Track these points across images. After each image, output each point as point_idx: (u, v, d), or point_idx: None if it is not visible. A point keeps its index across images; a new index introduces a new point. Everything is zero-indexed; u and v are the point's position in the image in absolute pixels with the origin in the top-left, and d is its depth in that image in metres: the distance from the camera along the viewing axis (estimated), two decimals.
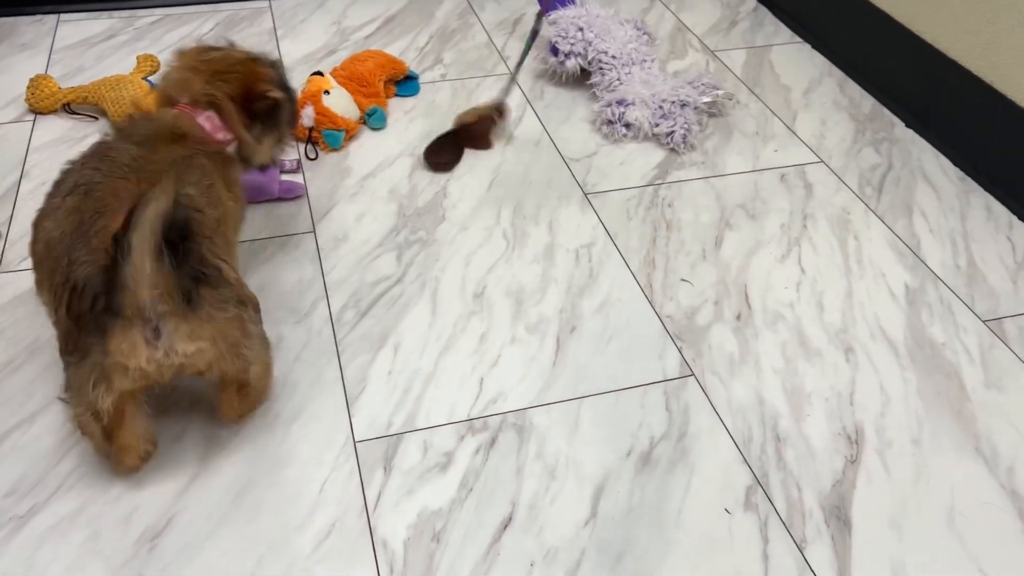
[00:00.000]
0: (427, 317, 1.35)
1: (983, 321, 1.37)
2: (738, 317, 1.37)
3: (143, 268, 0.90)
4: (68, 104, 1.73)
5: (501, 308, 1.37)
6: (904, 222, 1.57)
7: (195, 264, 0.98)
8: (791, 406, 1.23)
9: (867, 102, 1.90)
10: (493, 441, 1.17)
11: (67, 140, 1.67)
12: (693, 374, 1.27)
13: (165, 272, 0.92)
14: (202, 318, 0.98)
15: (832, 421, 1.21)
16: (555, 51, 1.87)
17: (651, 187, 1.63)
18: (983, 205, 1.62)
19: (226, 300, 1.01)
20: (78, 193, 1.03)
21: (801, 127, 1.81)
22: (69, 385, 0.99)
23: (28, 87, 1.73)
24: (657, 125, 1.74)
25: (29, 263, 1.37)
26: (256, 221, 1.51)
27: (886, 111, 1.87)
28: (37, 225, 1.05)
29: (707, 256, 1.48)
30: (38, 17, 2.07)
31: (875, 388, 1.26)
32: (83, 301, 0.94)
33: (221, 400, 1.12)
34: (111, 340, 0.95)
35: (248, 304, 1.05)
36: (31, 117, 1.73)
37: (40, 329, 1.29)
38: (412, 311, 1.36)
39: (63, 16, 2.08)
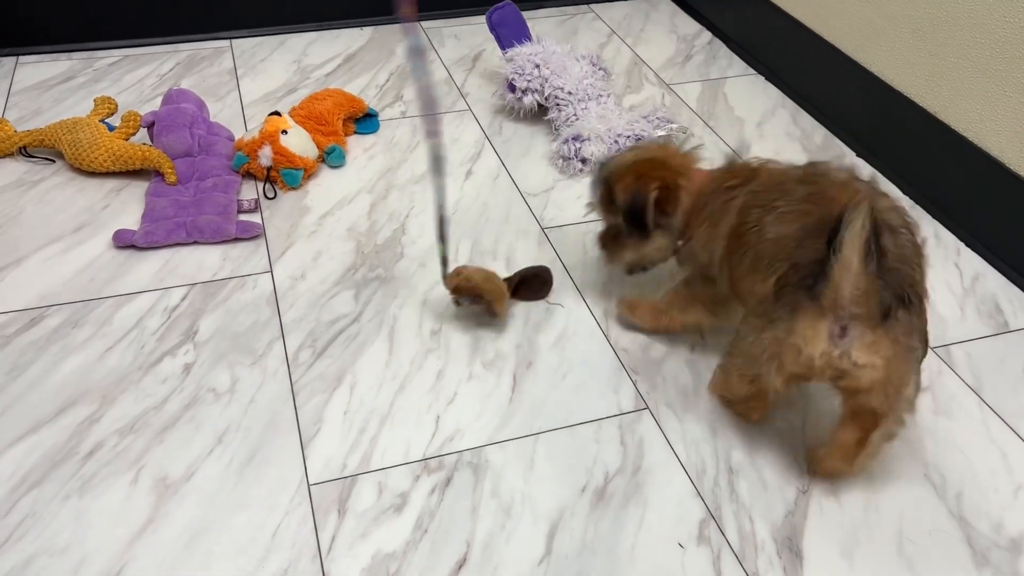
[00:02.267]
0: (384, 355, 1.35)
1: (931, 348, 1.40)
2: (692, 349, 1.38)
3: (851, 265, 0.94)
4: (24, 147, 1.72)
5: (458, 345, 1.38)
6: None
7: (904, 284, 1.00)
8: (744, 438, 1.24)
9: (819, 133, 1.94)
10: (448, 480, 1.17)
11: (23, 183, 1.67)
12: (648, 407, 1.28)
13: (870, 276, 0.95)
14: (889, 337, 0.99)
15: (785, 452, 1.23)
16: (512, 88, 1.89)
17: None
18: (932, 232, 1.65)
19: (916, 332, 1.03)
20: (809, 201, 1.08)
21: None
22: (740, 349, 1.12)
23: None
24: None
25: None
26: (212, 262, 1.51)
27: (837, 141, 1.91)
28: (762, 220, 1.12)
29: (662, 289, 1.49)
30: None
31: (826, 416, 1.28)
32: (795, 275, 1.02)
33: (837, 439, 1.12)
34: (799, 320, 1.01)
35: (925, 347, 1.07)
36: None
37: (1, 379, 1.28)
38: (369, 349, 1.36)
39: (21, 59, 2.08)
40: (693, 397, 1.30)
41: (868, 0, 1.80)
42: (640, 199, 1.25)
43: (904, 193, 1.75)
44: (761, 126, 1.96)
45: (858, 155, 1.86)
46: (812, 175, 1.15)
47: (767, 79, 2.13)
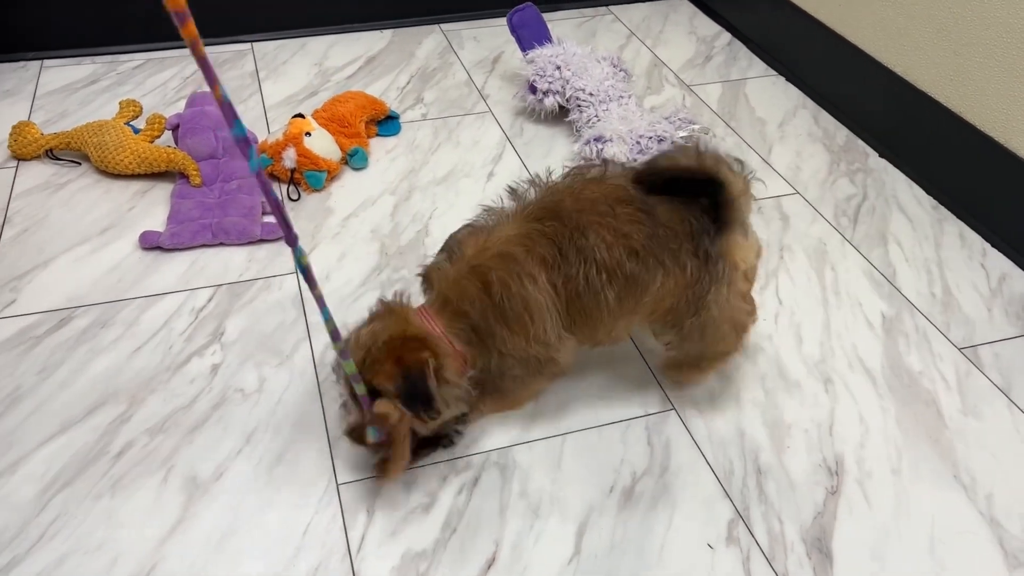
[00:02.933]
0: None
1: (959, 349, 1.39)
2: None
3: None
4: (51, 150, 1.74)
5: None
6: (879, 251, 1.59)
7: None
8: (772, 438, 1.24)
9: (841, 133, 1.94)
10: (476, 480, 1.17)
11: (50, 186, 1.68)
12: (674, 408, 1.28)
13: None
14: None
15: (812, 453, 1.22)
16: (533, 89, 1.90)
17: None
18: (956, 233, 1.64)
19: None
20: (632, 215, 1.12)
21: (777, 159, 1.84)
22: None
23: (10, 134, 1.74)
24: (634, 161, 1.76)
25: (13, 311, 1.37)
26: (238, 263, 1.52)
27: (860, 142, 1.90)
28: None
29: None
30: (22, 63, 2.09)
31: (854, 418, 1.27)
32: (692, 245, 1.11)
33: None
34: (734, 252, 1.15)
35: None
36: (13, 163, 1.74)
37: (22, 377, 1.29)
38: None
39: (47, 62, 2.10)
40: (720, 398, 1.30)
41: (891, 0, 1.79)
42: (413, 374, 1.04)
43: (928, 193, 1.74)
44: (783, 126, 1.95)
45: (881, 155, 1.85)
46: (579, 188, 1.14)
47: (788, 80, 2.13)
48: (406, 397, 1.04)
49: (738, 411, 1.28)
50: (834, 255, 1.58)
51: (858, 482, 1.18)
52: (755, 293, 1.47)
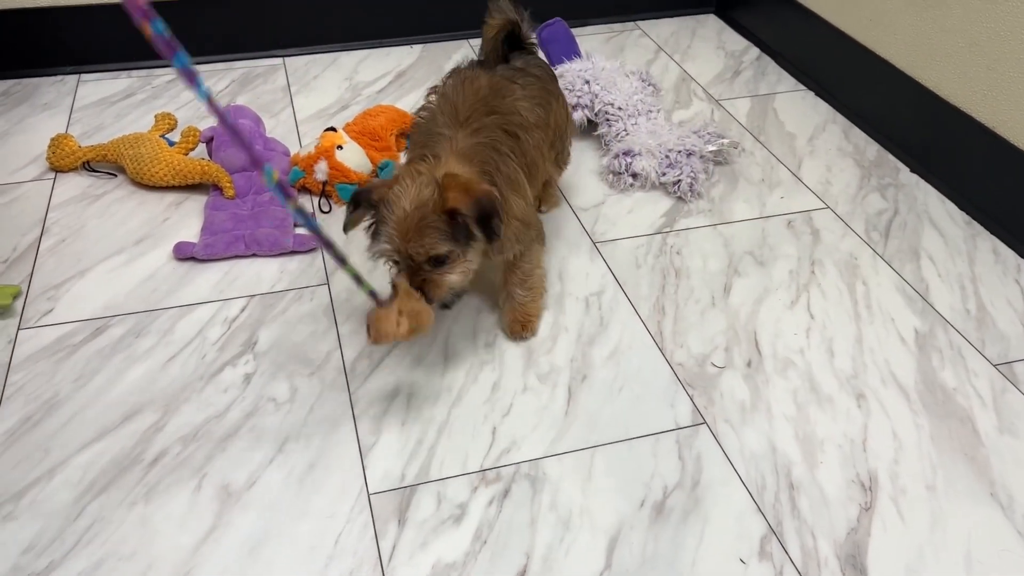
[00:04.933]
0: (440, 366, 1.36)
1: (994, 365, 1.37)
2: (749, 364, 1.37)
3: None
4: (88, 162, 1.77)
5: (512, 357, 1.38)
6: (912, 267, 1.58)
7: None
8: (804, 453, 1.23)
9: (871, 148, 1.93)
10: (507, 492, 1.17)
11: (87, 197, 1.71)
12: (705, 422, 1.27)
13: None
14: None
15: (846, 468, 1.21)
16: None
17: (659, 235, 1.65)
18: (990, 248, 1.63)
19: None
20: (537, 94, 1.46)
21: (807, 174, 1.83)
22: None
23: (49, 146, 1.77)
24: (664, 174, 1.76)
25: (50, 319, 1.40)
26: (270, 274, 1.53)
27: (891, 157, 1.89)
28: None
29: (716, 303, 1.49)
30: (59, 77, 2.13)
31: (888, 434, 1.26)
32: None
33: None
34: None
35: None
36: (51, 175, 1.77)
37: (59, 385, 1.31)
38: (425, 361, 1.37)
39: (83, 76, 2.14)
40: (751, 412, 1.29)
41: (922, 14, 1.78)
42: (487, 198, 1.18)
43: (960, 208, 1.73)
44: (812, 141, 1.95)
45: (912, 170, 1.84)
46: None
47: (817, 94, 2.12)
48: (484, 218, 1.18)
49: (770, 425, 1.27)
50: (866, 270, 1.57)
51: (892, 499, 1.17)
52: (786, 306, 1.48)
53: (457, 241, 1.18)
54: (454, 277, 1.21)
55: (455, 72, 1.44)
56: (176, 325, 1.42)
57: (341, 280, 1.52)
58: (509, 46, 1.47)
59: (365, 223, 1.24)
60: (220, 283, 1.51)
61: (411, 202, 1.16)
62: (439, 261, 1.19)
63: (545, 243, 1.43)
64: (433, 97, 1.41)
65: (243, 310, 1.46)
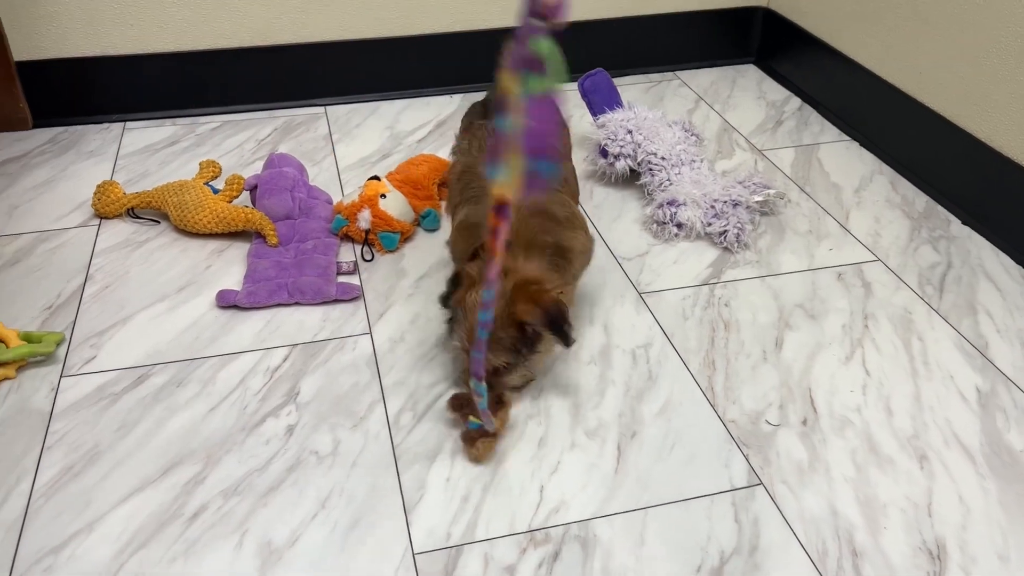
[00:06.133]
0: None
1: None
2: (804, 422, 1.33)
3: None
4: (132, 209, 1.78)
5: (559, 411, 1.35)
6: (969, 322, 1.53)
7: None
8: (866, 518, 1.18)
9: (920, 200, 1.89)
10: (556, 555, 1.13)
11: (130, 244, 1.72)
12: (762, 483, 1.23)
13: None
14: None
15: (911, 534, 1.16)
16: (604, 153, 1.90)
17: (706, 286, 1.62)
18: None
19: None
20: None
21: (855, 225, 1.80)
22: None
23: (95, 193, 1.79)
24: (709, 224, 1.74)
25: (93, 367, 1.38)
26: (313, 322, 1.52)
27: (941, 208, 1.86)
28: None
29: (768, 357, 1.45)
30: (105, 125, 2.16)
31: (954, 498, 1.21)
32: None
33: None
34: None
35: None
36: (96, 222, 1.78)
37: (100, 434, 1.29)
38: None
39: (129, 124, 2.17)
40: (809, 473, 1.24)
41: (972, 63, 1.76)
42: (555, 308, 1.22)
43: (1016, 262, 1.68)
44: (859, 192, 1.91)
45: (964, 222, 1.80)
46: None
47: (862, 145, 2.10)
48: (555, 327, 1.22)
49: (829, 487, 1.22)
50: (921, 325, 1.52)
51: (962, 568, 1.11)
52: (841, 362, 1.43)
53: (519, 353, 1.25)
54: (513, 381, 1.31)
55: (471, 128, 1.53)
56: (218, 374, 1.41)
57: (384, 330, 1.50)
58: None
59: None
60: (262, 332, 1.50)
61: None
62: (498, 371, 1.26)
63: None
64: (458, 155, 1.53)
65: (285, 359, 1.44)
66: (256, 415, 1.33)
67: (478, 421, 1.22)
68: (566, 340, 1.23)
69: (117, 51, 2.11)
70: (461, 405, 1.28)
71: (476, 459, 1.25)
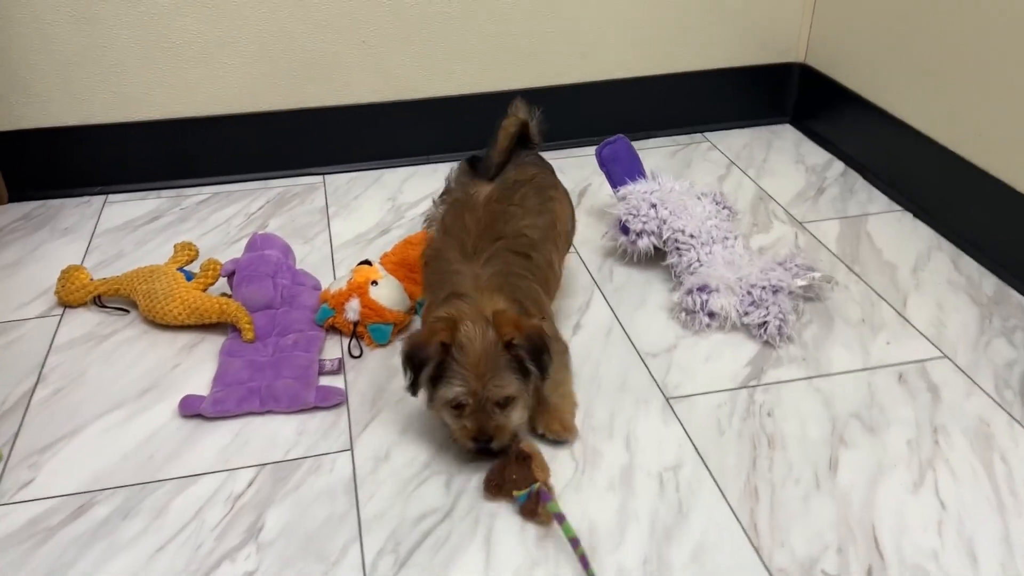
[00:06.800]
0: (480, 566, 1.11)
1: None
2: (869, 572, 1.09)
3: None
4: (99, 296, 1.60)
5: (569, 554, 1.12)
6: None
7: None
8: None
9: (989, 281, 1.65)
10: None
11: (93, 337, 1.53)
12: None
13: None
14: None
15: None
16: (625, 229, 1.69)
17: (745, 389, 1.39)
18: None
19: None
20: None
21: (914, 313, 1.57)
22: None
23: (59, 279, 1.61)
24: (746, 314, 1.52)
25: (29, 494, 1.19)
26: (286, 436, 1.31)
27: (1014, 292, 1.62)
28: None
29: (821, 484, 1.21)
30: (85, 199, 2.00)
31: None
32: None
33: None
34: None
35: None
36: (59, 311, 1.60)
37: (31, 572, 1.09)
38: (462, 557, 1.12)
39: (111, 197, 2.01)
40: None
41: None
42: (535, 334, 1.19)
43: None
44: (916, 272, 1.68)
45: None
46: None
47: (915, 215, 1.87)
48: (533, 351, 1.18)
49: None
50: (1002, 440, 1.28)
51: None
52: (909, 490, 1.19)
53: (525, 375, 1.20)
54: (516, 416, 1.22)
55: (448, 198, 1.49)
56: (172, 502, 1.20)
57: (367, 445, 1.29)
58: (518, 142, 1.52)
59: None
60: (228, 448, 1.29)
61: (481, 343, 1.16)
62: (506, 402, 1.19)
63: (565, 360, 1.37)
64: (432, 228, 1.47)
65: (251, 484, 1.23)
66: (210, 557, 1.12)
67: (524, 492, 1.15)
68: (544, 370, 1.19)
69: (99, 120, 1.96)
70: (499, 486, 1.19)
71: (546, 523, 1.15)
